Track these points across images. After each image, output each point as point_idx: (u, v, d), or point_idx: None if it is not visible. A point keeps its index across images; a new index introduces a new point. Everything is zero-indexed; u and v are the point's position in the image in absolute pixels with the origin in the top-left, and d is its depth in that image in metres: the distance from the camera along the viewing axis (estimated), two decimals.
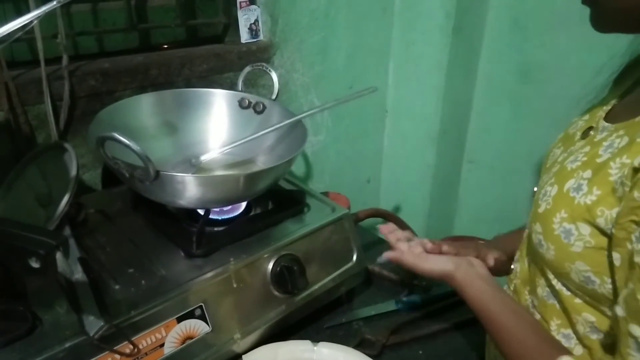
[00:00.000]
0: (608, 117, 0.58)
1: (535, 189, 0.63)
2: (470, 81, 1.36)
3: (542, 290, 0.58)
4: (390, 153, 1.49)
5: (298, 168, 1.27)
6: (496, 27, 1.29)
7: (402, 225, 0.95)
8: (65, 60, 0.79)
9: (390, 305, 0.85)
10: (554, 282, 0.55)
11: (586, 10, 0.55)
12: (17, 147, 0.78)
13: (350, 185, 1.43)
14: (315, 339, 0.72)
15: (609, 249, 0.47)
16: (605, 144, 0.52)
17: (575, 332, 0.55)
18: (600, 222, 0.47)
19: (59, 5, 0.57)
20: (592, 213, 0.48)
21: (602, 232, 0.48)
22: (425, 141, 1.47)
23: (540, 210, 0.55)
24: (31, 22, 0.55)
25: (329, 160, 1.33)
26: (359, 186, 1.47)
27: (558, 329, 0.56)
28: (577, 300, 0.53)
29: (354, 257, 0.82)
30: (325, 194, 1.01)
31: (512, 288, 0.68)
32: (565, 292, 0.54)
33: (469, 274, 0.62)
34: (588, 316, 0.53)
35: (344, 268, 0.80)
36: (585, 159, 0.53)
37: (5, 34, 0.49)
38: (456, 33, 1.30)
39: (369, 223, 1.09)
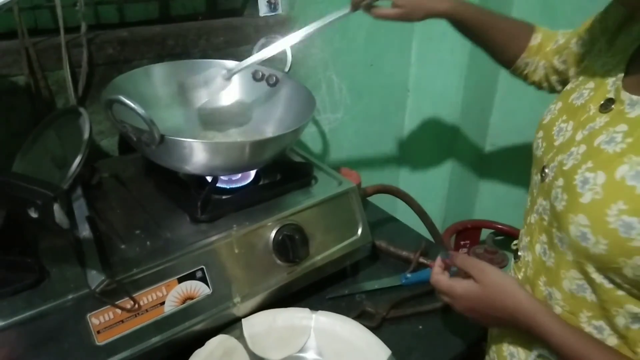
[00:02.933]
0: (627, 86, 0.54)
1: (547, 170, 0.60)
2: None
3: (571, 284, 0.55)
4: (410, 133, 1.48)
5: (315, 145, 1.28)
6: (524, 7, 1.25)
7: (412, 203, 0.95)
8: (83, 28, 0.81)
9: (394, 281, 0.85)
10: (594, 275, 0.52)
11: None
12: (37, 111, 0.81)
13: (368, 165, 1.42)
14: (317, 309, 0.73)
15: None
16: None
17: (612, 324, 0.52)
18: None
19: None
20: None
21: None
22: (447, 122, 1.45)
23: (585, 200, 0.50)
24: None
25: (347, 138, 1.33)
26: (378, 166, 1.47)
27: (589, 321, 0.54)
28: (620, 292, 0.51)
29: (359, 231, 0.82)
30: (337, 169, 1.01)
31: (520, 277, 0.65)
32: (606, 285, 0.51)
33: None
34: (631, 307, 0.50)
35: (348, 241, 0.81)
36: (630, 140, 0.49)
37: None
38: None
39: (382, 201, 1.09)
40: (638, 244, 0.46)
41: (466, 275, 0.61)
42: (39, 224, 0.46)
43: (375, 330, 0.73)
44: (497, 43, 0.83)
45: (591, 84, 0.60)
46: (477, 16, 0.81)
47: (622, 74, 0.56)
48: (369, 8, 0.80)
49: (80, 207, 0.70)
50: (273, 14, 1.05)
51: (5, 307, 0.55)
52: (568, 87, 0.66)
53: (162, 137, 0.63)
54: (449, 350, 0.73)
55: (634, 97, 0.52)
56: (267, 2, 1.04)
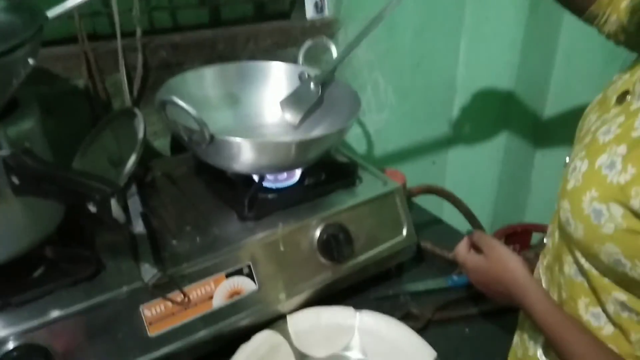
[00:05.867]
0: None
1: (567, 159, 0.59)
2: (547, 60, 1.29)
3: (570, 268, 0.55)
4: (458, 134, 1.45)
5: (360, 146, 1.28)
6: None
7: (459, 204, 0.93)
8: (138, 33, 0.85)
9: (440, 283, 0.84)
10: (582, 261, 0.53)
11: None
12: (95, 112, 0.85)
13: (414, 165, 1.41)
14: (361, 308, 0.73)
15: None
16: None
17: (605, 311, 0.52)
18: (635, 203, 0.44)
19: None
20: (626, 193, 0.44)
21: (636, 214, 0.44)
22: (496, 123, 1.42)
23: (569, 187, 0.52)
24: None
25: (393, 139, 1.32)
26: (424, 167, 1.45)
27: (587, 308, 0.54)
28: (607, 280, 0.50)
29: (404, 232, 0.82)
30: (382, 170, 1.00)
31: (545, 264, 0.65)
32: (593, 271, 0.52)
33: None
34: (619, 295, 0.50)
35: (392, 241, 0.80)
36: (619, 131, 0.49)
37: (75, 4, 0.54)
38: (533, 8, 1.23)
39: (427, 202, 1.08)
40: (608, 231, 0.47)
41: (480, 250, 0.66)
42: (97, 219, 0.48)
43: (420, 332, 0.72)
44: None
45: (627, 75, 0.58)
46: None
47: None
48: None
49: (135, 204, 0.73)
50: (320, 16, 1.06)
51: (65, 297, 0.58)
52: (614, 77, 0.64)
53: (212, 136, 0.65)
54: (496, 354, 0.71)
55: None
56: (314, 4, 1.05)
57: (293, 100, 0.87)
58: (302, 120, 0.85)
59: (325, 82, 0.84)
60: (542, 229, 1.42)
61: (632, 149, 0.46)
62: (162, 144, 0.96)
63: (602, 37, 1.21)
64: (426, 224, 1.01)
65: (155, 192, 0.81)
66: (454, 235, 0.97)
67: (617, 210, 0.46)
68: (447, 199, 0.93)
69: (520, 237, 1.42)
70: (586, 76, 1.26)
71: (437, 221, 1.04)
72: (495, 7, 1.26)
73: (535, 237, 1.45)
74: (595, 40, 1.18)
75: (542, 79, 1.32)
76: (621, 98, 0.54)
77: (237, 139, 0.67)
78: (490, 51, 1.32)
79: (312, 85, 0.85)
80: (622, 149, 0.47)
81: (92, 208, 0.48)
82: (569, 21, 1.23)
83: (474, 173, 1.48)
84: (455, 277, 0.84)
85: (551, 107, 1.35)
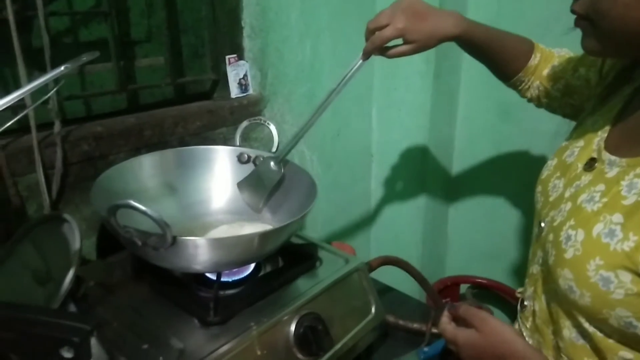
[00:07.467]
0: (608, 146, 0.58)
1: (543, 224, 0.62)
2: (451, 121, 1.39)
3: (570, 332, 0.57)
4: (379, 197, 1.49)
5: None
6: (473, 69, 1.32)
7: (413, 271, 0.93)
8: (57, 126, 0.75)
9: (412, 358, 0.81)
10: (586, 325, 0.54)
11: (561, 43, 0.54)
12: (7, 222, 0.72)
13: (344, 233, 1.41)
14: None
15: None
16: (624, 183, 0.51)
17: None
18: None
19: (57, 75, 0.54)
20: (634, 260, 0.47)
21: None
22: (415, 183, 1.48)
23: (568, 256, 0.54)
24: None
25: (321, 209, 1.31)
26: (352, 233, 1.45)
27: None
28: (612, 341, 0.52)
29: (373, 309, 0.79)
30: (329, 244, 0.98)
31: (528, 326, 0.66)
32: (599, 334, 0.53)
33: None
34: (625, 354, 0.52)
35: (364, 322, 0.77)
36: (606, 199, 0.52)
37: None
38: (437, 75, 1.34)
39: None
40: (618, 297, 0.49)
41: (469, 324, 0.62)
42: None
43: None
44: (500, 61, 0.82)
45: (581, 142, 0.63)
46: (486, 36, 0.78)
47: (606, 134, 0.60)
48: (383, 51, 0.76)
49: None
50: (245, 94, 1.04)
51: None
52: (563, 143, 0.70)
53: (175, 238, 0.58)
54: None
55: (612, 157, 0.56)
56: (238, 83, 1.03)
57: (253, 181, 0.82)
58: (265, 204, 0.80)
59: (283, 162, 0.81)
60: (468, 281, 1.48)
61: (629, 217, 0.48)
62: (85, 246, 0.84)
63: (494, 98, 1.34)
64: (379, 294, 0.99)
65: (92, 307, 0.69)
66: (408, 303, 0.97)
67: (626, 277, 0.48)
68: (404, 269, 0.92)
69: (450, 290, 1.46)
70: (483, 132, 1.37)
71: (387, 289, 1.02)
72: (402, 78, 1.35)
73: (461, 287, 1.51)
74: (489, 100, 1.32)
75: (448, 138, 1.42)
76: (589, 164, 0.58)
77: (202, 239, 0.60)
78: (401, 117, 1.39)
79: (272, 164, 0.81)
80: (617, 217, 0.50)
81: (68, 353, 0.38)
82: (466, 86, 1.35)
83: (398, 233, 1.51)
84: (426, 349, 0.81)
85: (457, 164, 1.45)
